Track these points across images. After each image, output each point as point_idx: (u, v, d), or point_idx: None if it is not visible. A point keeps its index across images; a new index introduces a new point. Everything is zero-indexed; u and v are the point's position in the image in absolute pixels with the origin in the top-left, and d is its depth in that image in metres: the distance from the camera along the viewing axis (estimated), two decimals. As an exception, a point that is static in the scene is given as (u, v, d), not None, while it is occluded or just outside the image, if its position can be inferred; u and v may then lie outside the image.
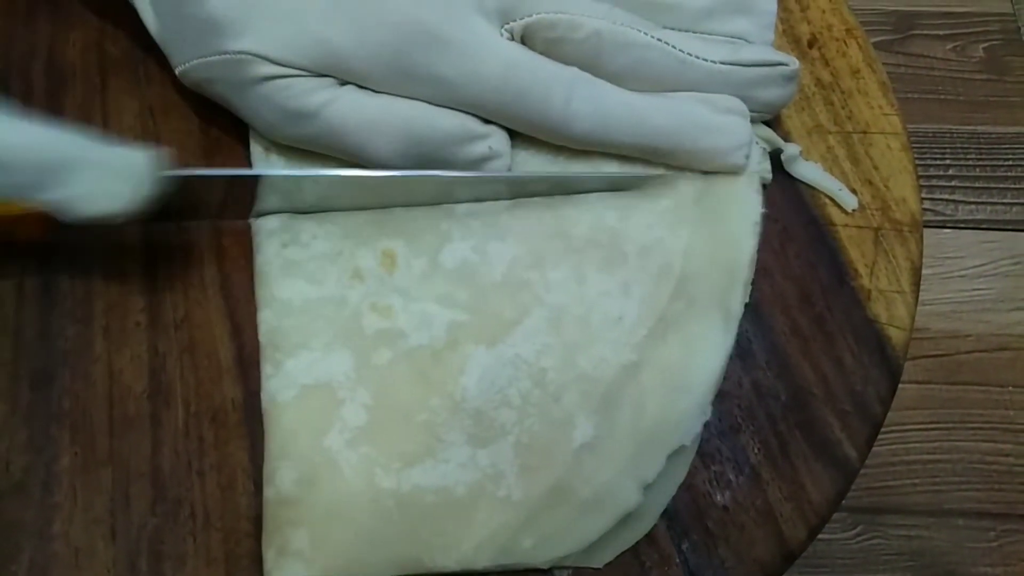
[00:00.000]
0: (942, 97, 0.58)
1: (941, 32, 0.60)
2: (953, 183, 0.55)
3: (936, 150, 0.54)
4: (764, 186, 0.34)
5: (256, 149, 0.35)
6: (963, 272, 0.54)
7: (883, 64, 0.39)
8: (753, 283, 0.32)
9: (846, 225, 0.34)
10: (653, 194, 0.33)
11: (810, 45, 0.38)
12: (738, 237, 0.32)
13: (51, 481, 0.29)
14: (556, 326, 0.31)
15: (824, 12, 0.39)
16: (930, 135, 0.55)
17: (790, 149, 0.34)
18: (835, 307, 0.32)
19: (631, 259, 0.32)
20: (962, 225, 0.55)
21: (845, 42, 0.38)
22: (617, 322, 0.31)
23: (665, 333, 0.30)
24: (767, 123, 0.35)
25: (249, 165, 0.35)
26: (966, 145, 0.56)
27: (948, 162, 0.55)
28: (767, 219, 0.34)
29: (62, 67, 0.37)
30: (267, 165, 0.34)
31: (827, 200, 0.34)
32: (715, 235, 0.32)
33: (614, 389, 0.30)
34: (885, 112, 0.36)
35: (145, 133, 0.36)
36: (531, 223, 0.33)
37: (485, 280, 0.32)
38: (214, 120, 0.36)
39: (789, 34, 0.38)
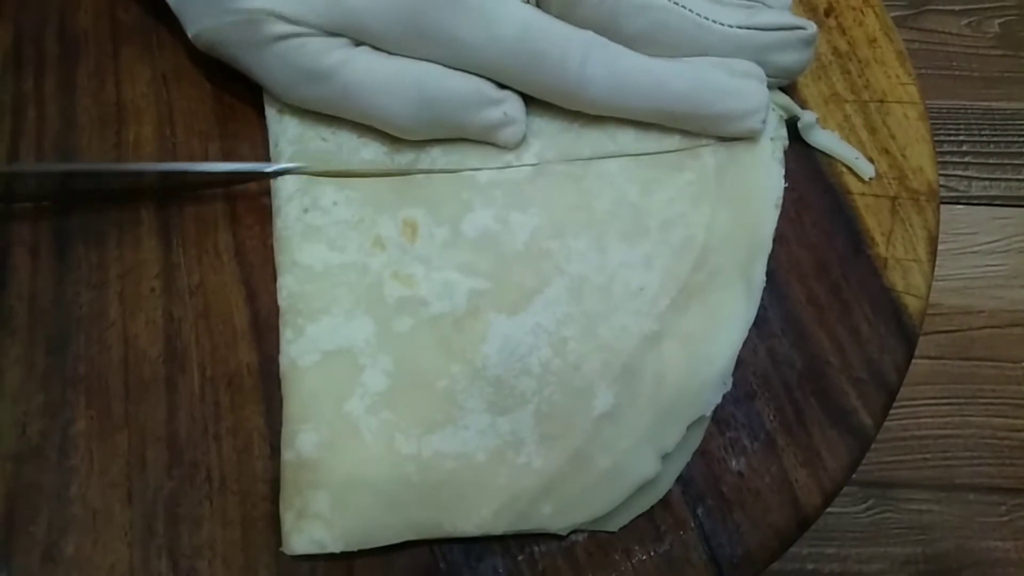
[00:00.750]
0: (956, 73, 0.57)
1: (956, 7, 0.59)
2: (967, 159, 0.55)
3: (950, 126, 0.54)
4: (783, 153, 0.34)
5: (271, 112, 0.34)
6: (976, 248, 0.54)
7: None
8: (770, 251, 0.32)
9: (863, 194, 0.34)
10: (675, 166, 0.33)
11: (827, 14, 0.38)
12: (760, 211, 0.32)
13: (67, 445, 0.29)
14: (577, 296, 0.31)
15: (841, -20, 0.38)
16: (944, 111, 0.54)
17: (807, 117, 0.34)
18: (851, 275, 0.32)
19: (653, 232, 0.32)
20: (975, 201, 0.55)
21: (862, 11, 0.38)
22: (638, 293, 0.30)
23: (687, 304, 0.30)
24: (784, 90, 0.35)
25: (264, 131, 0.35)
26: (980, 121, 0.56)
27: (962, 138, 0.55)
28: (785, 187, 0.34)
29: (75, 34, 0.37)
30: (281, 128, 0.34)
31: (844, 169, 0.34)
32: (738, 209, 0.32)
33: (635, 359, 0.29)
34: (902, 81, 0.36)
35: (158, 100, 0.36)
36: (553, 194, 0.33)
37: (507, 249, 0.32)
38: (228, 86, 0.36)
39: (806, 3, 0.38)
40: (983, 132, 0.56)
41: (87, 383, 0.30)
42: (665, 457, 0.28)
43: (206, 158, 0.35)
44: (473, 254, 0.31)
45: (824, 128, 0.35)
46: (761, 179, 0.32)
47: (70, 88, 0.36)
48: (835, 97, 0.36)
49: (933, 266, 0.33)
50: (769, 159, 0.32)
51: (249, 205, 0.34)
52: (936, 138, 0.35)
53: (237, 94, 0.36)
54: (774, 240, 0.32)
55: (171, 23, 0.35)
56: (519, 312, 0.30)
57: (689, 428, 0.29)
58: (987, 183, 0.55)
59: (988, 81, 0.57)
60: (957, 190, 0.55)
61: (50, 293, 0.32)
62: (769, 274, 0.32)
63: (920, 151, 0.34)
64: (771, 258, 0.32)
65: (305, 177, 0.33)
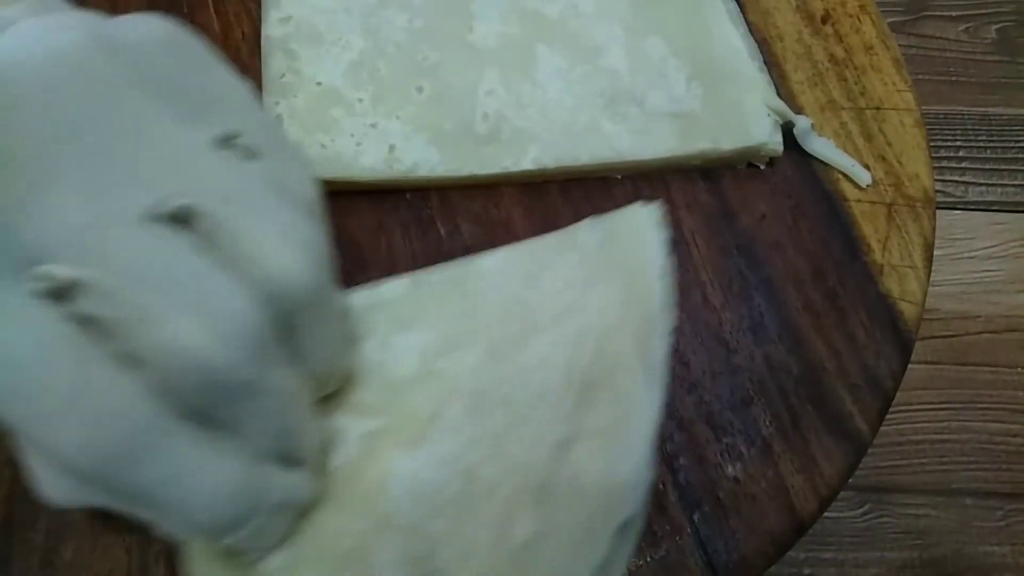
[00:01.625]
0: (954, 79, 0.57)
1: (953, 13, 0.59)
2: (964, 164, 0.55)
3: (947, 131, 0.54)
4: (773, 160, 0.35)
5: (269, 101, 0.34)
6: (973, 253, 0.54)
7: None
8: (766, 258, 0.33)
9: (859, 200, 0.34)
10: (558, 249, 0.31)
11: (824, 21, 0.38)
12: (647, 284, 0.30)
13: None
14: (479, 414, 0.28)
15: (838, -12, 0.38)
16: (941, 116, 0.54)
17: (802, 123, 0.34)
18: (847, 282, 0.32)
19: (546, 328, 0.29)
20: (972, 207, 0.55)
21: (859, 18, 0.38)
22: (541, 397, 0.28)
23: (593, 398, 0.28)
24: (780, 97, 0.35)
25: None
26: (977, 127, 0.56)
27: (959, 143, 0.55)
28: (781, 194, 0.34)
29: None
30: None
31: (840, 175, 0.34)
32: (625, 286, 0.30)
33: (549, 473, 0.27)
34: (899, 88, 0.36)
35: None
36: (436, 306, 0.30)
37: (395, 377, 0.29)
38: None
39: (803, 10, 0.38)
40: (980, 138, 0.56)
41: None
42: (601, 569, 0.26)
43: (206, 164, 0.35)
44: (360, 391, 0.29)
45: (820, 135, 0.35)
46: (642, 250, 0.30)
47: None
48: (831, 104, 0.36)
49: (929, 273, 0.33)
50: (647, 226, 0.31)
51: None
52: (933, 144, 0.35)
53: (237, 100, 0.36)
54: (771, 246, 0.33)
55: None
56: (419, 446, 0.28)
57: (622, 531, 0.27)
58: (984, 188, 0.55)
59: (985, 87, 0.58)
60: (954, 195, 0.55)
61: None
62: (766, 281, 0.32)
63: (916, 158, 0.35)
64: (768, 264, 0.32)
65: None
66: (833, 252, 0.33)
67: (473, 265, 0.31)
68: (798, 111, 0.35)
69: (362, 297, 0.30)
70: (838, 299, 0.32)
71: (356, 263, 0.33)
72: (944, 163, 0.55)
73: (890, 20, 0.60)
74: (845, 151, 0.35)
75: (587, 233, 0.31)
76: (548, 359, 0.29)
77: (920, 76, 0.54)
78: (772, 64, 0.37)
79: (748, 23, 0.37)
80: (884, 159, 0.35)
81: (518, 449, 0.28)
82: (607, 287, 0.30)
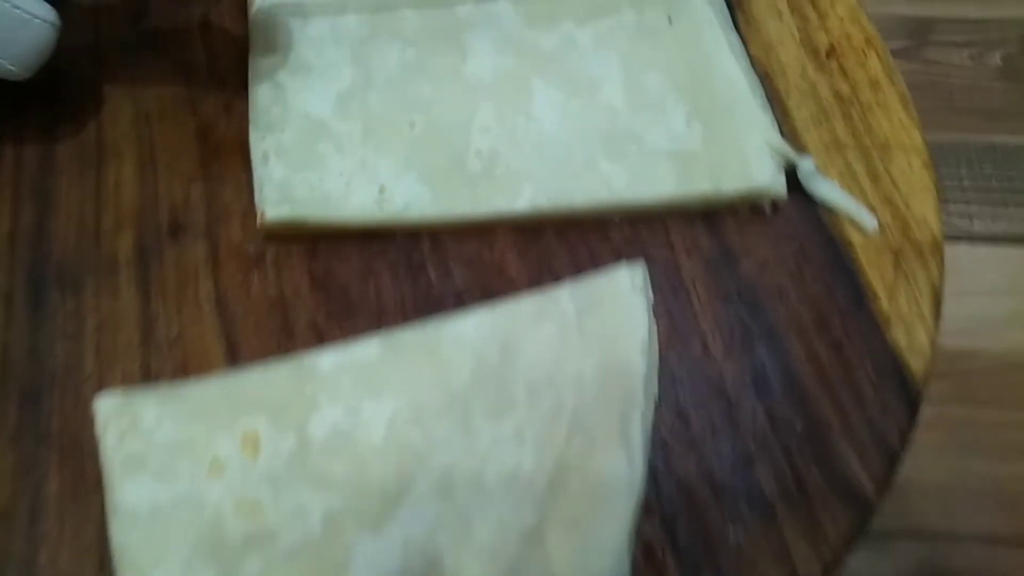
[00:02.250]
0: (958, 106, 0.56)
1: (957, 39, 0.58)
2: (969, 195, 0.54)
3: (952, 161, 0.53)
4: (775, 206, 0.33)
5: (256, 155, 0.33)
6: (979, 288, 0.53)
7: (867, 16, 0.38)
8: (769, 306, 0.31)
9: (865, 246, 0.33)
10: (535, 317, 0.30)
11: (828, 56, 0.37)
12: (628, 357, 0.29)
13: (38, 508, 0.28)
14: (447, 492, 0.27)
15: (843, 21, 0.37)
16: (946, 146, 0.53)
17: (806, 164, 0.33)
18: (853, 332, 0.31)
19: (520, 401, 0.28)
20: (978, 239, 0.54)
21: (864, 52, 0.37)
22: (513, 476, 0.27)
23: (566, 480, 0.27)
24: (783, 135, 0.34)
25: (249, 174, 0.33)
26: (982, 156, 0.55)
27: (964, 174, 0.54)
28: (784, 238, 0.33)
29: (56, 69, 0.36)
30: (266, 173, 0.33)
31: (844, 220, 0.33)
32: (604, 358, 0.29)
33: (519, 562, 0.26)
34: (905, 126, 0.35)
35: (140, 140, 0.35)
36: (407, 372, 0.29)
37: (362, 447, 0.27)
38: (212, 127, 0.35)
39: (807, 43, 0.37)
40: (985, 168, 0.55)
41: (60, 441, 0.29)
42: None
43: (188, 201, 0.34)
44: (325, 461, 0.27)
45: (825, 176, 0.34)
46: (624, 318, 0.29)
47: (49, 127, 0.35)
48: (836, 143, 0.35)
49: (938, 323, 0.31)
50: (630, 292, 0.30)
51: (232, 251, 0.32)
52: (937, 174, 0.34)
53: (221, 135, 0.35)
54: (774, 294, 0.31)
55: (157, 56, 0.34)
56: (383, 526, 0.26)
57: None
58: (990, 221, 0.54)
59: (990, 115, 0.57)
60: (959, 228, 0.54)
61: (24, 343, 0.31)
62: (769, 330, 0.31)
63: (924, 201, 0.33)
64: (771, 313, 0.31)
65: (120, 396, 0.28)
66: (838, 300, 0.32)
67: (448, 328, 0.30)
68: (802, 150, 0.34)
69: (331, 359, 0.29)
70: (843, 351, 0.31)
71: (343, 308, 0.31)
72: (948, 194, 0.54)
73: (893, 46, 0.59)
74: (851, 193, 0.33)
75: (567, 300, 0.30)
76: (521, 436, 0.27)
77: (924, 104, 0.53)
78: (775, 100, 0.36)
79: (750, 57, 0.36)
80: (891, 202, 0.33)
81: (486, 534, 0.26)
82: (585, 361, 0.29)
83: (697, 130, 0.34)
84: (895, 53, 0.55)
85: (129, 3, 0.38)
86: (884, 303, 0.32)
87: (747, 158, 0.33)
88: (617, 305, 0.30)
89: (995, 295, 0.52)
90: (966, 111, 0.56)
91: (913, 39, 0.56)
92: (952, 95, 0.57)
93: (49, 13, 0.33)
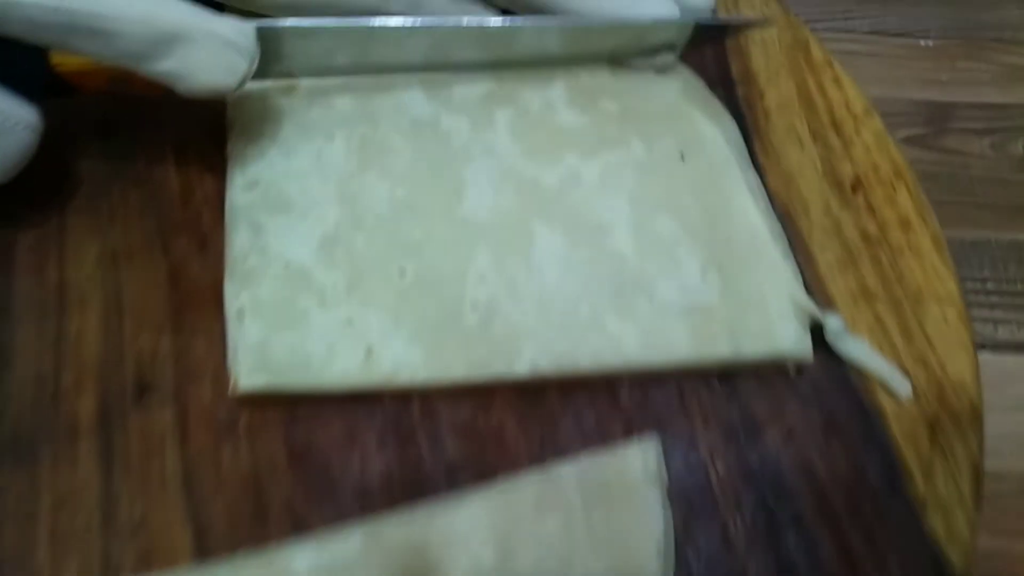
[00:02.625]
0: (979, 200, 0.54)
1: (978, 126, 0.55)
2: (992, 299, 0.51)
3: (973, 261, 0.50)
4: (800, 368, 0.31)
5: (230, 310, 0.30)
6: (1005, 403, 0.50)
7: (913, 162, 0.35)
8: (795, 487, 0.28)
9: (899, 416, 0.30)
10: (536, 507, 0.27)
11: (854, 189, 0.34)
12: (643, 563, 0.26)
13: None
14: None
15: (869, 149, 0.35)
16: (967, 244, 0.50)
17: (833, 322, 0.30)
18: (887, 519, 0.28)
19: None
20: (1004, 348, 0.51)
21: (893, 186, 0.34)
22: None
23: None
24: (807, 286, 0.31)
25: (224, 323, 0.31)
26: (1006, 255, 0.52)
27: (986, 275, 0.51)
28: (810, 405, 0.30)
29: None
30: (240, 333, 0.30)
31: (876, 385, 0.30)
32: (615, 562, 0.26)
33: None
34: (940, 275, 0.32)
35: (105, 283, 0.32)
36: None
37: None
38: (185, 266, 0.32)
39: (830, 175, 0.34)
40: (1009, 268, 0.52)
41: (5, 651, 0.26)
42: None
43: (156, 356, 0.31)
44: None
45: (854, 332, 0.31)
46: (637, 514, 0.27)
47: (6, 265, 0.32)
48: (865, 293, 0.32)
49: (979, 506, 0.29)
50: (643, 479, 0.27)
51: (202, 417, 0.29)
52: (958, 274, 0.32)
53: (195, 278, 0.32)
54: (801, 473, 0.29)
55: (126, 184, 0.32)
56: None
57: None
58: (1015, 326, 0.52)
59: (1013, 210, 0.54)
60: (982, 334, 0.51)
61: (-31, 528, 0.28)
62: (796, 517, 0.28)
63: (961, 361, 0.31)
64: (799, 497, 0.28)
65: None
66: (870, 480, 0.29)
67: (439, 521, 0.27)
68: (828, 302, 0.31)
69: (307, 559, 0.26)
70: (876, 542, 0.28)
71: (323, 485, 0.28)
72: (971, 297, 0.51)
73: (911, 133, 0.57)
74: (881, 351, 0.31)
75: (573, 490, 0.27)
76: None
77: (942, 197, 0.51)
78: (797, 242, 0.33)
79: (769, 191, 0.34)
80: (925, 362, 0.31)
81: None
82: (594, 564, 0.26)
83: (713, 282, 0.31)
84: (910, 140, 0.53)
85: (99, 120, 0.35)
86: (920, 484, 0.29)
87: (769, 317, 0.30)
88: (629, 497, 0.27)
89: (1022, 411, 0.50)
90: (988, 205, 0.53)
91: (930, 125, 0.53)
92: (972, 187, 0.54)
93: (30, 114, 0.30)
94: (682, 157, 0.33)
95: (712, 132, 0.34)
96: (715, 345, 0.30)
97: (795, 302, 0.30)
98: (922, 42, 0.58)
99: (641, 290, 0.31)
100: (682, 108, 0.35)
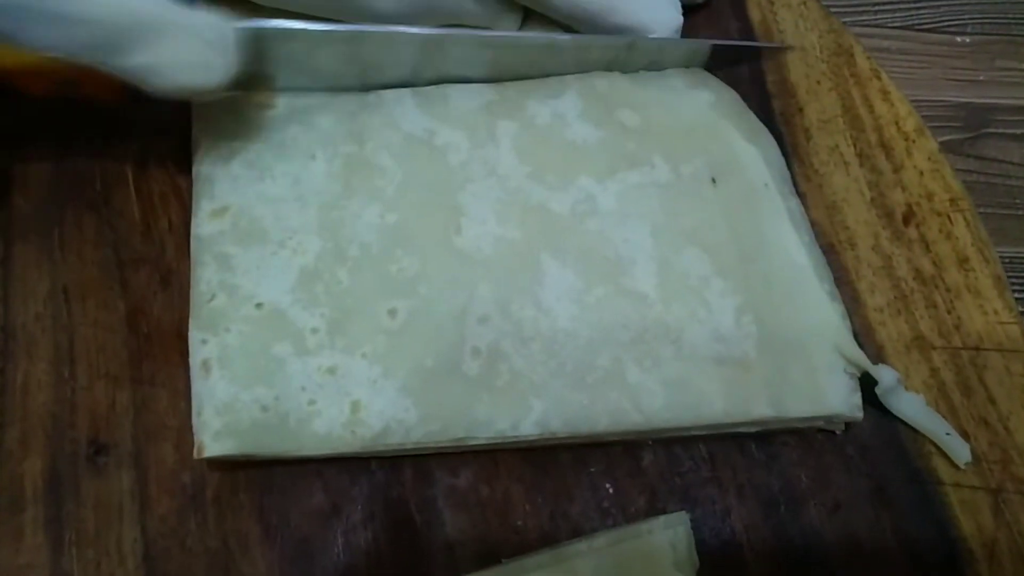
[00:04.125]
0: (1019, 212, 0.50)
1: (1017, 131, 0.51)
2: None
3: (1017, 278, 0.47)
4: (848, 425, 0.27)
5: (195, 363, 0.26)
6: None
7: (952, 170, 0.31)
8: (842, 569, 0.25)
9: (957, 485, 0.26)
10: None
11: (906, 221, 0.30)
12: None
13: None
14: None
15: (923, 175, 0.31)
16: (1006, 260, 0.47)
17: (887, 378, 0.27)
18: (947, 608, 0.25)
19: None
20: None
21: (949, 218, 0.30)
22: None
23: None
24: (855, 333, 0.27)
25: (188, 371, 0.27)
26: (1051, 274, 0.49)
27: (1027, 296, 0.48)
28: (858, 472, 0.27)
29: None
30: (207, 390, 0.26)
31: (932, 448, 0.27)
32: None
33: None
34: (1002, 320, 0.29)
35: (56, 325, 0.28)
36: None
37: None
38: (144, 304, 0.28)
39: (879, 204, 0.31)
40: (1052, 288, 0.49)
41: None
42: None
43: (113, 409, 0.27)
44: None
45: (907, 387, 0.27)
46: None
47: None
48: (919, 341, 0.28)
49: (1051, 591, 0.25)
50: (671, 566, 0.24)
51: (165, 483, 0.26)
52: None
53: (156, 320, 0.28)
54: (848, 552, 0.25)
55: (80, 210, 0.28)
56: None
57: None
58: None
59: (1059, 224, 0.51)
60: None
61: None
62: (841, 606, 0.25)
63: (1028, 421, 0.27)
64: (844, 580, 0.25)
65: None
66: (927, 562, 0.25)
67: None
68: (878, 351, 0.28)
69: None
70: (936, 636, 0.24)
71: (301, 565, 0.25)
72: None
73: (946, 139, 0.53)
74: (937, 410, 0.27)
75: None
76: None
77: (983, 209, 0.47)
78: (842, 282, 0.29)
79: (809, 220, 0.30)
80: (987, 423, 0.27)
81: None
82: None
83: (750, 329, 0.27)
84: (947, 146, 0.49)
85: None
86: (983, 566, 0.25)
87: (815, 372, 0.27)
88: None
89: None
90: (1029, 218, 0.50)
91: (966, 130, 0.49)
92: (1013, 199, 0.50)
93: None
94: (713, 181, 0.30)
95: (749, 152, 0.30)
96: (752, 404, 0.26)
97: (844, 353, 0.27)
98: (958, 38, 0.54)
99: (666, 336, 0.27)
100: (714, 123, 0.32)
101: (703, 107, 0.31)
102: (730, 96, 0.32)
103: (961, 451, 0.27)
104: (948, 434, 0.27)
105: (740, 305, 0.28)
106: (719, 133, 0.31)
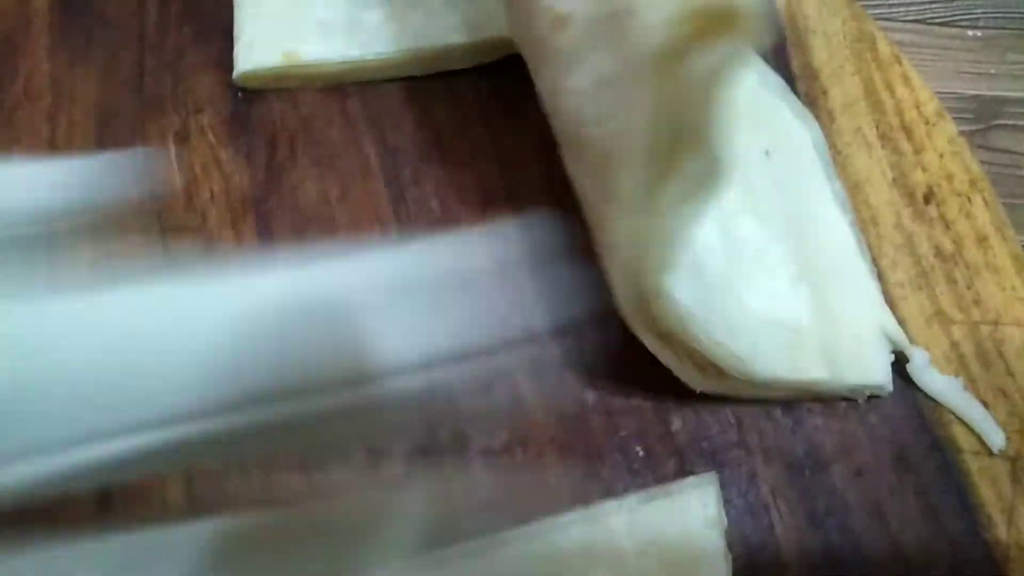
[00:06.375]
0: (1035, 206, 0.51)
1: (1029, 122, 0.53)
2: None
3: None
4: (872, 396, 0.28)
5: None
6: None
7: (972, 153, 0.33)
8: (865, 532, 0.26)
9: (976, 452, 0.28)
10: (585, 553, 0.25)
11: (926, 200, 0.31)
12: None
13: None
14: None
15: (943, 157, 0.32)
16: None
17: (919, 358, 0.28)
18: (965, 570, 0.26)
19: None
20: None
21: (969, 198, 0.31)
22: None
23: None
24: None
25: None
26: (1059, 265, 0.50)
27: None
28: (881, 440, 0.28)
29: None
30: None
31: (952, 417, 0.28)
32: None
33: None
34: (1020, 296, 0.30)
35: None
36: None
37: None
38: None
39: (900, 184, 0.32)
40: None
41: None
42: None
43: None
44: None
45: (939, 371, 0.28)
46: (697, 569, 0.25)
47: None
48: (939, 316, 0.30)
49: (1067, 557, 0.26)
50: (703, 526, 0.25)
51: None
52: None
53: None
54: (869, 514, 0.26)
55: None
56: None
57: None
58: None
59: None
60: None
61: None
62: (865, 565, 0.26)
63: (1045, 393, 0.28)
64: (868, 542, 0.26)
65: None
66: (946, 525, 0.27)
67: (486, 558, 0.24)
68: (900, 325, 0.29)
69: None
70: (955, 596, 0.26)
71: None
72: None
73: (958, 129, 0.54)
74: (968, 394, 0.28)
75: (624, 537, 0.25)
76: None
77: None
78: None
79: (840, 203, 0.31)
80: (1005, 394, 0.28)
81: None
82: None
83: (804, 297, 0.28)
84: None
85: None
86: (1001, 530, 0.27)
87: (863, 344, 0.28)
88: (687, 546, 0.25)
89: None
90: (1044, 212, 0.51)
91: (977, 122, 0.50)
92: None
93: None
94: (767, 154, 0.30)
95: (801, 132, 0.32)
96: (808, 368, 0.27)
97: (885, 331, 0.28)
98: (970, 32, 0.55)
99: (728, 290, 0.28)
100: (767, 101, 0.32)
101: (751, 84, 0.32)
102: (775, 78, 0.33)
103: (995, 436, 0.28)
104: (983, 420, 0.28)
105: (795, 275, 0.29)
106: (774, 111, 0.32)
